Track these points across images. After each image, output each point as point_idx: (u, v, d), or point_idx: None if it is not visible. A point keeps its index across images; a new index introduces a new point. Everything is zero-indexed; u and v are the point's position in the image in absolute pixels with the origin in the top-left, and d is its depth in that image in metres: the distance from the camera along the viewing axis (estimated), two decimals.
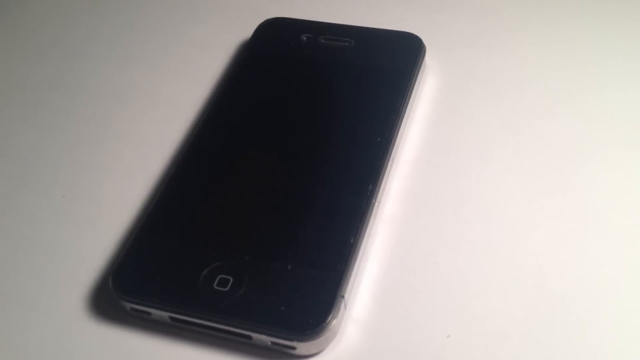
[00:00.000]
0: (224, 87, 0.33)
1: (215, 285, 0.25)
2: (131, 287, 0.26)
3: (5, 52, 0.37)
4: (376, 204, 0.28)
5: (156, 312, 0.25)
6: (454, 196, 0.29)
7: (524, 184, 0.29)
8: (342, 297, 0.25)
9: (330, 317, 0.24)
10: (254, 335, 0.24)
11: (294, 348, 0.24)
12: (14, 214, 0.30)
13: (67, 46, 0.37)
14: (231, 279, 0.25)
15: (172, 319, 0.25)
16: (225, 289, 0.25)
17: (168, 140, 0.32)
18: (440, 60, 0.34)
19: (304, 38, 0.34)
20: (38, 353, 0.25)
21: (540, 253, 0.27)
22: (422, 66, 0.33)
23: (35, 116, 0.34)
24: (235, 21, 0.37)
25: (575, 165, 0.29)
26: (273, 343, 0.24)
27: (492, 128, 0.31)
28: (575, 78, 0.33)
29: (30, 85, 0.35)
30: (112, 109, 0.34)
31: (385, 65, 0.33)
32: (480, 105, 0.32)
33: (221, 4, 0.39)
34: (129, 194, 0.30)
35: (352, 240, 0.26)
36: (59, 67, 0.36)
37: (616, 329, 0.25)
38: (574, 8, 0.36)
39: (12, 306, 0.27)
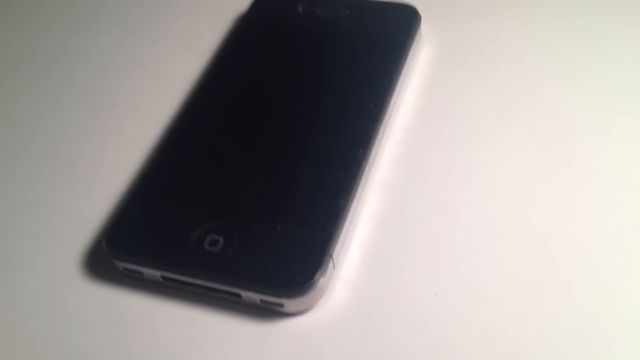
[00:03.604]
0: (220, 57, 0.33)
1: (205, 245, 0.25)
2: (124, 247, 0.26)
3: (8, 24, 0.38)
4: (367, 168, 0.28)
5: (148, 272, 0.26)
6: (445, 161, 0.29)
7: (515, 150, 0.29)
8: (331, 256, 0.25)
9: (317, 274, 0.24)
10: (243, 293, 0.25)
11: (282, 305, 0.24)
12: (13, 179, 0.30)
13: (68, 18, 0.38)
14: (221, 239, 0.26)
15: (164, 278, 0.26)
16: (216, 249, 0.25)
17: (164, 109, 0.32)
18: (435, 30, 0.34)
19: (300, 9, 0.34)
20: (34, 311, 0.26)
21: (529, 216, 0.27)
22: (418, 36, 0.33)
23: (37, 85, 0.34)
24: None
25: (567, 131, 0.29)
26: (262, 301, 0.25)
27: (486, 95, 0.31)
28: (569, 46, 0.33)
29: (32, 56, 0.36)
30: (111, 78, 0.34)
31: (381, 35, 0.33)
32: (475, 73, 0.32)
33: None
34: (125, 160, 0.30)
35: (341, 202, 0.26)
36: (60, 39, 0.37)
37: (603, 288, 0.25)
38: None
39: (9, 267, 0.27)
